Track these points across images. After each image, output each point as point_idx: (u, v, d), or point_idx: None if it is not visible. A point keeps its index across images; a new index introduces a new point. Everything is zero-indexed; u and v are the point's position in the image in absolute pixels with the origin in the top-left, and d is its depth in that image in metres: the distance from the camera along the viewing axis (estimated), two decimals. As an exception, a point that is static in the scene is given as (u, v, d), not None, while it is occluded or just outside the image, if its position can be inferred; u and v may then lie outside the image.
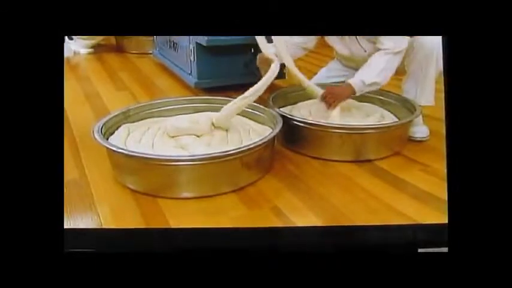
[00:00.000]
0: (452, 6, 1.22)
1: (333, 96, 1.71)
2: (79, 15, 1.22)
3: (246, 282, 1.22)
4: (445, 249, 1.13)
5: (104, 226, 1.28)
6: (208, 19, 1.26)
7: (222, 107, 1.62)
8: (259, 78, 1.59)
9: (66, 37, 3.39)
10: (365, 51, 1.81)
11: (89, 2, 1.23)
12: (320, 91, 1.76)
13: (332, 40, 1.87)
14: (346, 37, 1.81)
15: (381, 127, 1.65)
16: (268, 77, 1.57)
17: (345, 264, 1.24)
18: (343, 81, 1.97)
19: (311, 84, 1.80)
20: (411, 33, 1.61)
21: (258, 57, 1.77)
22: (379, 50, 1.72)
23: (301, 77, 1.77)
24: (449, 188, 1.19)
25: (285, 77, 2.22)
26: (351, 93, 1.71)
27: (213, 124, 1.59)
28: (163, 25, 1.28)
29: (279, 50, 1.73)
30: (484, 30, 1.20)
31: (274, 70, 1.57)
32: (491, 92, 1.20)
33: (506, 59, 1.19)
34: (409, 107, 1.77)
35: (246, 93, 1.57)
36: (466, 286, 1.11)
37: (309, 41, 1.88)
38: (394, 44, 1.69)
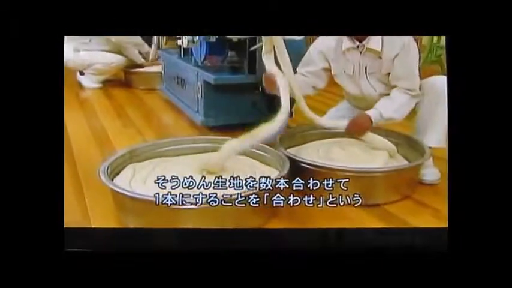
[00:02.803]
0: (455, 9, 1.23)
1: (358, 127, 1.73)
2: (79, 15, 1.23)
3: (248, 284, 1.19)
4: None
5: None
6: (209, 20, 1.27)
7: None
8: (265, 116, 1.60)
9: (78, 73, 3.44)
10: (375, 90, 1.80)
11: (88, 3, 1.24)
12: (334, 124, 1.78)
13: (341, 79, 1.86)
14: (357, 76, 1.80)
15: (389, 170, 1.62)
16: (275, 125, 1.56)
17: (344, 266, 1.23)
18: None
19: (324, 122, 1.79)
20: (414, 33, 1.61)
21: (263, 77, 1.73)
22: (395, 87, 1.74)
23: (310, 114, 1.76)
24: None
25: (292, 116, 2.21)
26: (370, 125, 1.72)
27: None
28: (163, 25, 1.29)
29: (290, 84, 1.71)
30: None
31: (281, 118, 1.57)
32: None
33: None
34: (418, 148, 1.74)
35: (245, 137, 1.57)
36: None
37: (320, 81, 1.88)
38: (410, 84, 1.71)
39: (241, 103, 2.26)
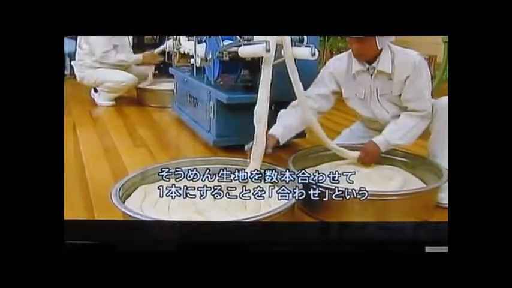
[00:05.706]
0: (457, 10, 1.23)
1: (369, 157, 1.74)
2: (79, 15, 1.24)
3: (246, 280, 1.21)
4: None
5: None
6: (210, 20, 1.27)
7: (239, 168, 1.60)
8: None
9: (92, 90, 3.46)
10: (388, 112, 1.78)
11: (88, 3, 1.25)
12: (345, 152, 1.76)
13: (353, 103, 1.84)
14: (368, 99, 1.79)
15: (405, 193, 1.58)
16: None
17: (345, 262, 1.25)
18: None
19: (335, 147, 1.78)
20: (415, 33, 1.60)
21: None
22: (406, 109, 1.72)
23: (325, 139, 1.75)
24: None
25: (305, 136, 2.19)
26: (380, 152, 1.74)
27: None
28: (163, 25, 1.29)
29: (303, 111, 1.71)
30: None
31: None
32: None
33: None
34: (435, 170, 1.70)
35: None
36: None
37: (327, 103, 1.86)
38: (420, 105, 1.69)
39: (253, 122, 2.22)
